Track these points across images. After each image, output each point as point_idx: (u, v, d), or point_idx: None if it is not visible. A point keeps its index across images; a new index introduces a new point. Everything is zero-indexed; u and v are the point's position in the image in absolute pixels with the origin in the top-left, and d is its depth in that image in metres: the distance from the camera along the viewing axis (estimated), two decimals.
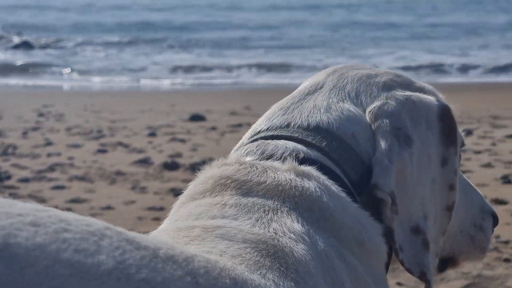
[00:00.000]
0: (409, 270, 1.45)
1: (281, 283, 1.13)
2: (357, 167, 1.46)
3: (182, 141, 8.35)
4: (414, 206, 1.46)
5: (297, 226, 1.26)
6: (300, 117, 1.51)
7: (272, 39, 25.21)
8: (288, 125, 1.50)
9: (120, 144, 8.20)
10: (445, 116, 1.55)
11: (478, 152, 7.76)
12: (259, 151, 1.44)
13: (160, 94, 14.35)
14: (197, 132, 8.98)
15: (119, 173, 6.72)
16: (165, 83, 16.48)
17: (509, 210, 5.56)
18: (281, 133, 1.49)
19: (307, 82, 1.66)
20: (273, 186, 1.32)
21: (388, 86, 1.58)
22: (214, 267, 1.04)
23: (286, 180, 1.34)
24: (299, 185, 1.33)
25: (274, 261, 1.16)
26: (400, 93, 1.55)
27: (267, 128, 1.52)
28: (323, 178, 1.38)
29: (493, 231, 1.78)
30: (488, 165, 7.12)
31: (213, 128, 9.21)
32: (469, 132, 9.00)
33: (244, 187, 1.32)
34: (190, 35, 26.33)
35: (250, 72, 17.91)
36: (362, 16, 33.72)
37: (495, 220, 1.79)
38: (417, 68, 17.97)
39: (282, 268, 1.16)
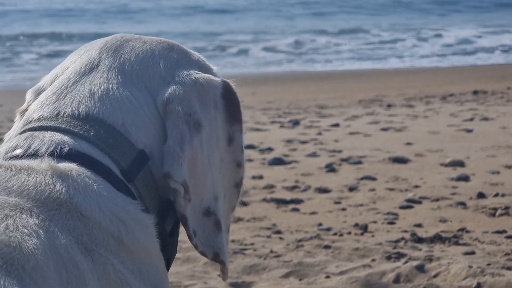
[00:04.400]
0: (202, 253, 1.46)
1: (1, 282, 1.10)
2: (129, 154, 1.42)
3: None
4: (205, 190, 1.46)
5: (32, 222, 1.23)
6: (71, 105, 1.46)
7: None
8: (57, 115, 1.45)
9: None
10: (228, 93, 1.54)
11: (304, 142, 8.03)
12: (26, 145, 1.40)
13: None
14: None
15: None
16: None
17: (332, 198, 5.83)
18: (50, 124, 1.43)
19: (78, 58, 1.57)
20: (19, 192, 1.28)
21: (170, 66, 1.52)
22: None
23: (35, 184, 1.30)
24: (47, 189, 1.30)
25: None
26: (187, 76, 1.51)
27: (38, 118, 1.46)
28: (84, 175, 1.35)
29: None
30: (313, 155, 7.38)
31: None
32: (296, 123, 9.30)
33: None
34: None
35: None
36: None
37: None
38: None
39: (5, 266, 1.13)
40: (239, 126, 1.54)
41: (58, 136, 1.41)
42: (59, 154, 1.38)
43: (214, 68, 1.63)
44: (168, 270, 1.50)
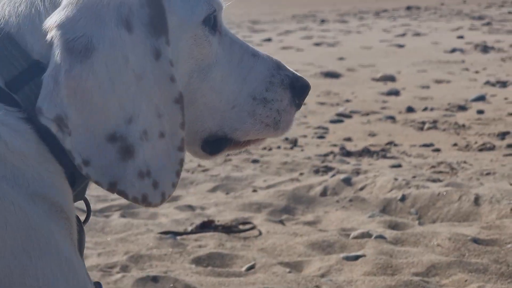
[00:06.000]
0: (97, 183, 1.37)
1: None
2: (17, 64, 1.38)
3: None
4: (109, 114, 1.37)
5: None
6: None
7: None
8: None
9: None
10: (151, 2, 1.41)
11: None
12: None
13: None
14: None
15: None
16: None
17: None
18: None
19: None
20: None
21: None
22: None
23: None
24: None
25: None
26: None
27: None
28: None
29: (298, 100, 1.64)
30: None
31: None
32: None
33: None
34: None
35: None
36: None
37: (299, 88, 1.66)
38: None
39: None
40: (165, 37, 1.41)
41: None
42: None
43: None
44: (75, 184, 1.43)
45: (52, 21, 1.35)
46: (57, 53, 1.33)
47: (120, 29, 1.37)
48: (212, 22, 1.57)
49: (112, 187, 1.36)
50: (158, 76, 1.41)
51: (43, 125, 1.33)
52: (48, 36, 1.34)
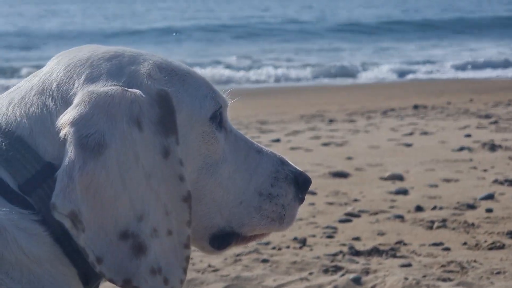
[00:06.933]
0: (111, 281, 1.37)
1: None
2: (30, 167, 1.39)
3: None
4: (120, 211, 1.37)
5: None
6: None
7: None
8: None
9: None
10: (162, 103, 1.44)
11: None
12: None
13: None
14: None
15: None
16: None
17: None
18: None
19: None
20: None
21: (91, 78, 1.45)
22: None
23: None
24: None
25: None
26: (99, 89, 1.41)
27: None
28: None
29: (301, 195, 1.68)
30: None
31: None
32: None
33: None
34: None
35: None
36: None
37: (302, 183, 1.70)
38: None
39: None
40: (175, 136, 1.44)
41: None
42: None
43: (157, 84, 1.49)
44: (89, 284, 1.45)
45: (65, 119, 1.38)
46: (71, 149, 1.35)
47: (131, 127, 1.40)
48: (218, 119, 1.62)
49: (127, 284, 1.37)
50: (167, 175, 1.42)
51: (57, 226, 1.36)
52: (62, 133, 1.37)
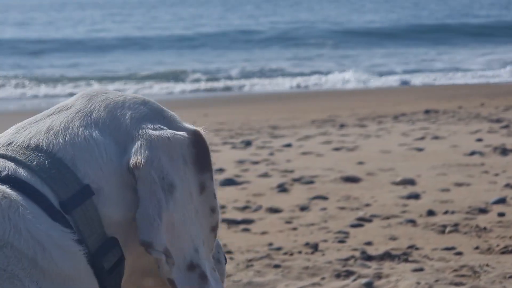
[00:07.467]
0: None
1: None
2: (71, 186, 1.46)
3: None
4: (186, 246, 1.50)
5: None
6: (24, 137, 1.53)
7: None
8: (9, 144, 1.52)
9: None
10: (197, 142, 1.56)
11: (256, 163, 8.03)
12: None
13: None
14: None
15: None
16: None
17: (283, 218, 5.82)
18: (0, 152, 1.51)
19: (59, 104, 1.64)
20: None
21: (137, 119, 1.56)
22: None
23: None
24: None
25: None
26: (153, 132, 1.53)
27: None
28: (12, 198, 1.41)
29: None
30: (265, 175, 7.38)
31: None
32: (248, 143, 9.30)
33: None
34: None
35: None
36: None
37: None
38: None
39: None
40: (210, 173, 1.57)
41: (1, 162, 1.47)
42: None
43: (189, 125, 1.63)
44: None
45: (138, 160, 1.49)
46: (154, 191, 1.47)
47: (185, 166, 1.54)
48: None
49: None
50: (203, 208, 1.57)
51: (91, 247, 1.45)
52: (137, 173, 1.48)
